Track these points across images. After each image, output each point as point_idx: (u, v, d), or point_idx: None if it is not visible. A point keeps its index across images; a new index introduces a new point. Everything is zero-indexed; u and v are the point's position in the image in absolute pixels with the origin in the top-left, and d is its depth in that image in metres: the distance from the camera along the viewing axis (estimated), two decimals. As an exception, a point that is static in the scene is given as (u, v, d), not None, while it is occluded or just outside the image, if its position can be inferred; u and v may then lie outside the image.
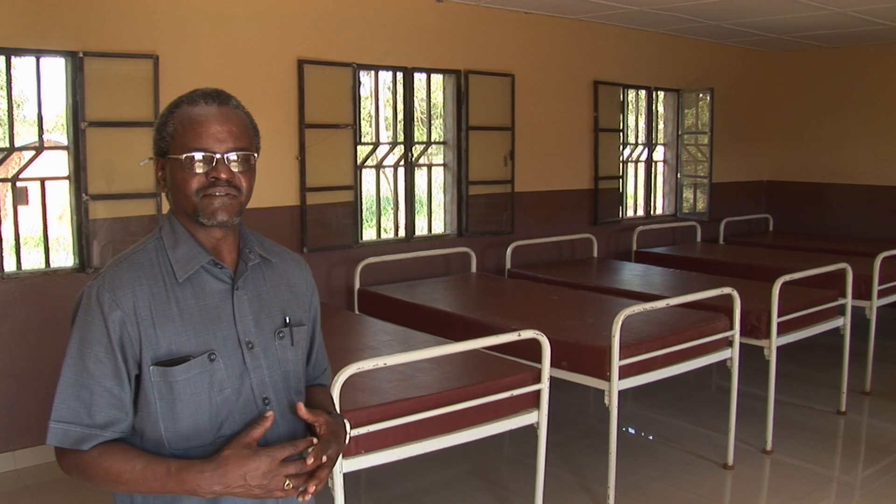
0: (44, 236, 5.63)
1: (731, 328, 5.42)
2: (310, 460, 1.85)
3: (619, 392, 4.74)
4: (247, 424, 1.93)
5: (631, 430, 6.25)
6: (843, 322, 6.38)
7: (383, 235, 7.44)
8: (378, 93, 7.26)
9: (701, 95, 9.65)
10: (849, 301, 6.39)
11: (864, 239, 9.65)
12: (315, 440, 1.90)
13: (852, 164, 10.26)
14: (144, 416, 1.91)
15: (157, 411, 1.90)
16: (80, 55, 5.38)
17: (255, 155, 2.00)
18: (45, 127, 5.51)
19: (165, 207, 2.06)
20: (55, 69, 5.47)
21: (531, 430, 4.37)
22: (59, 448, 1.88)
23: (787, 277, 5.81)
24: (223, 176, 1.91)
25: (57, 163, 5.69)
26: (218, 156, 1.91)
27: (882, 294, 6.96)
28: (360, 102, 6.90)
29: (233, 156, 1.93)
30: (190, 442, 1.91)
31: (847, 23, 8.20)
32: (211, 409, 1.92)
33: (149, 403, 1.90)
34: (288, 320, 2.08)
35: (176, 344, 1.90)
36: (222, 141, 1.91)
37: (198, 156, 1.90)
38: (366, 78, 7.23)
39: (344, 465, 3.66)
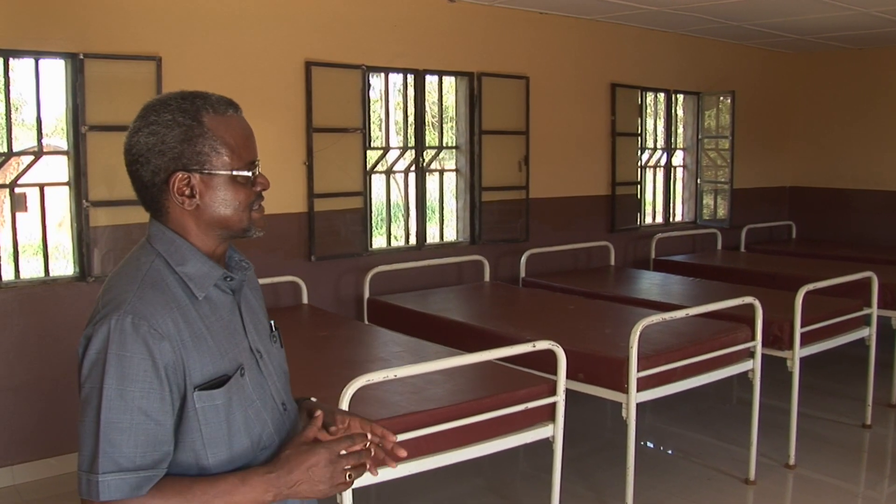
0: (43, 244, 5.64)
1: (753, 339, 5.40)
2: (367, 439, 1.95)
3: (638, 405, 4.72)
4: (282, 431, 1.97)
5: (649, 444, 6.22)
6: (869, 332, 6.35)
7: (393, 243, 7.44)
8: (388, 95, 7.26)
9: (721, 98, 9.61)
10: (874, 311, 6.35)
11: (890, 247, 9.59)
12: (368, 434, 1.99)
13: (878, 170, 10.21)
14: (184, 444, 1.84)
15: (200, 438, 1.84)
16: (81, 57, 5.39)
17: None
18: (44, 131, 5.53)
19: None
20: (55, 71, 5.49)
21: (546, 444, 4.35)
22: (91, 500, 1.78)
23: (811, 286, 5.77)
24: (268, 187, 1.97)
25: (56, 168, 5.70)
26: (259, 168, 1.96)
27: (909, 303, 6.93)
28: (369, 105, 6.90)
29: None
30: (235, 463, 1.87)
31: (872, 23, 8.17)
32: (247, 424, 1.90)
33: (191, 431, 1.83)
34: (273, 324, 2.12)
35: (212, 364, 1.86)
36: (257, 150, 1.96)
37: (254, 170, 1.94)
38: (375, 80, 7.24)
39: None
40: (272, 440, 1.94)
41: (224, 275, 1.94)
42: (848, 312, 6.25)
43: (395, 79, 7.30)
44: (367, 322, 6.57)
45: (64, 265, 6.43)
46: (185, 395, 1.82)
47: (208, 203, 1.90)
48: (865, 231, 10.29)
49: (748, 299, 5.39)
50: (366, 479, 3.67)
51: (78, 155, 5.48)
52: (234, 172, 1.89)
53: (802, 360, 5.69)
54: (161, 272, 1.88)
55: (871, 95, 10.21)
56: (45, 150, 5.55)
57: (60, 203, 5.90)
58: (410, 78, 7.17)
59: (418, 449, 3.88)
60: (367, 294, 6.71)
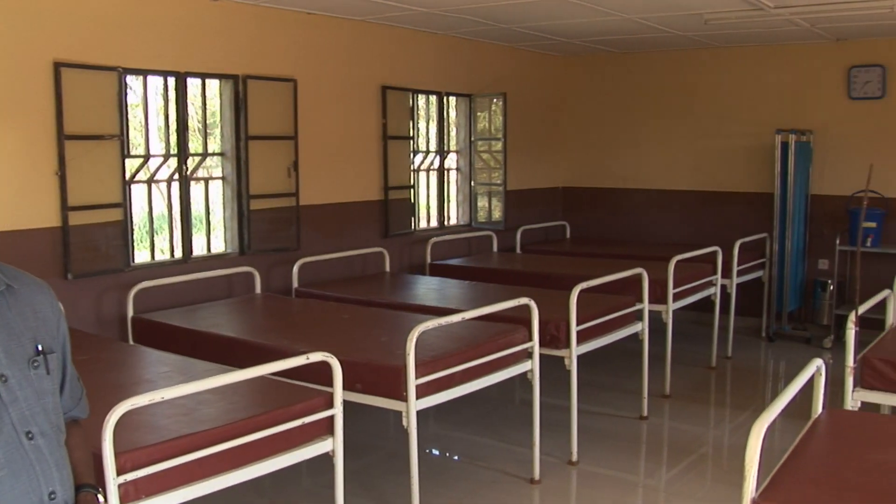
0: None
1: (531, 339, 5.60)
2: None
3: (419, 412, 4.80)
4: (20, 463, 1.89)
5: (434, 452, 6.33)
6: (642, 327, 6.74)
7: (158, 257, 7.20)
8: (148, 100, 7.03)
9: (494, 101, 9.90)
10: (646, 306, 6.75)
11: (658, 243, 10.22)
12: None
13: (643, 170, 10.84)
14: None
15: None
16: None
17: None
18: None
19: None
20: None
21: (328, 458, 4.35)
22: None
23: (585, 285, 6.05)
24: None
25: None
26: None
27: (677, 297, 7.43)
28: (127, 110, 6.66)
29: None
30: None
31: (634, 29, 8.63)
32: None
33: None
34: (41, 348, 2.03)
35: None
36: None
37: None
38: (134, 83, 6.99)
39: (121, 513, 3.51)
40: None
41: None
42: (621, 309, 6.60)
43: (156, 82, 7.07)
44: (131, 342, 6.34)
45: None
46: None
47: None
48: (635, 229, 10.89)
49: (524, 300, 5.58)
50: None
51: None
52: None
53: (579, 357, 5.96)
54: None
55: (635, 98, 10.83)
56: None
57: None
58: (171, 81, 6.97)
59: (192, 474, 3.78)
60: (130, 312, 6.45)
